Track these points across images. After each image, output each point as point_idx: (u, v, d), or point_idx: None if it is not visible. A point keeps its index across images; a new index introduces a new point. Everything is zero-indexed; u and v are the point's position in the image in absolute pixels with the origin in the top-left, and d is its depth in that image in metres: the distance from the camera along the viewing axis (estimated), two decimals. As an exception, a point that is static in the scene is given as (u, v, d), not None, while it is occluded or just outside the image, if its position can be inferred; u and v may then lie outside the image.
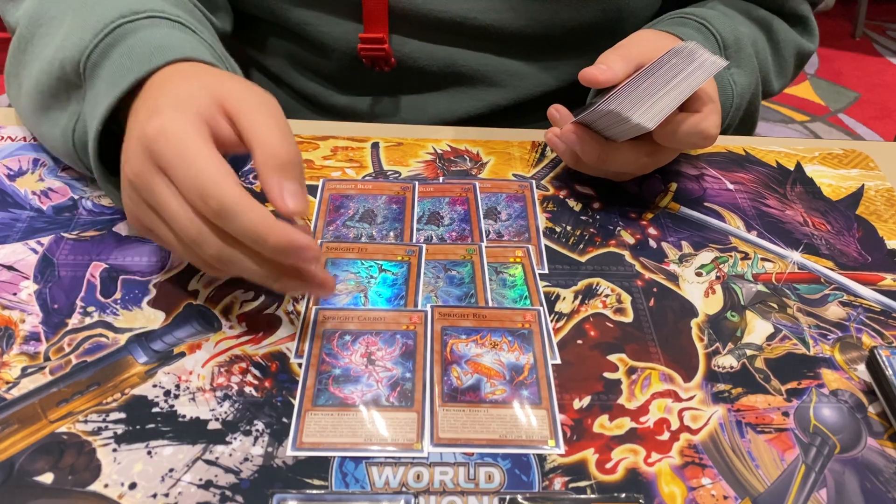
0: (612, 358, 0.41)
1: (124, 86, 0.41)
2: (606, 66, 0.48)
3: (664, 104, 0.44)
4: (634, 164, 0.50)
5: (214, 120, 0.37)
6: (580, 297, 0.45)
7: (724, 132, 0.62)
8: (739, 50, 0.59)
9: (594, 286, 0.46)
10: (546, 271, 0.47)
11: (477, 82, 0.64)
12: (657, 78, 0.45)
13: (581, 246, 0.49)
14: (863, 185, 0.56)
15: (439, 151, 0.57)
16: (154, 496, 0.33)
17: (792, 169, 0.58)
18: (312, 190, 0.52)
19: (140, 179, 0.36)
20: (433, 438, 0.36)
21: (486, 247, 0.48)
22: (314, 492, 0.34)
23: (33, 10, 0.49)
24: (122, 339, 0.41)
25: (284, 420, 0.37)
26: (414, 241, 0.48)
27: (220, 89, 0.38)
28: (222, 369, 0.39)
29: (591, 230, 0.50)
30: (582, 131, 0.49)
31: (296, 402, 0.38)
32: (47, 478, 0.34)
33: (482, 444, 0.36)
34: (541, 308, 0.44)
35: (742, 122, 0.63)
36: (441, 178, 0.54)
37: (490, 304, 0.44)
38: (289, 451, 0.36)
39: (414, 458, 0.36)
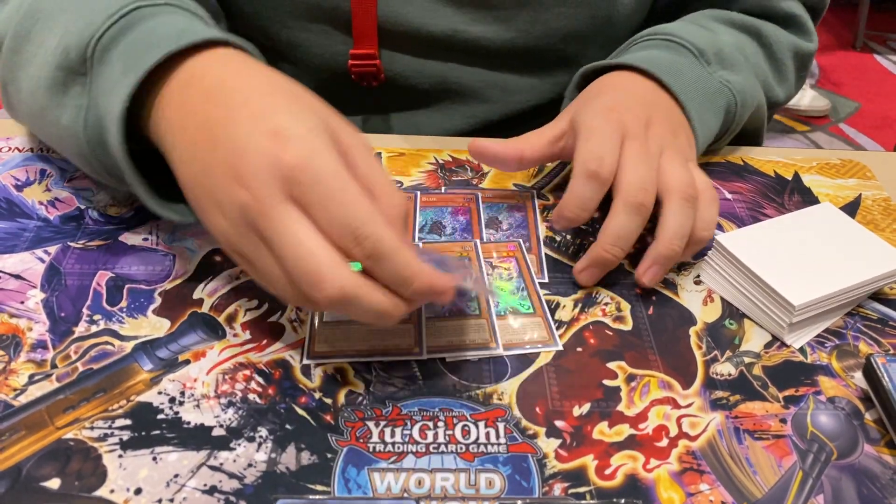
0: (612, 365, 0.42)
1: (151, 61, 0.38)
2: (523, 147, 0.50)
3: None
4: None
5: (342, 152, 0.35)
6: (580, 305, 0.46)
7: (726, 135, 0.59)
8: (721, 55, 0.56)
9: (594, 294, 0.47)
10: (546, 280, 0.47)
11: (468, 98, 0.64)
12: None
13: (581, 255, 0.49)
14: (860, 195, 0.57)
15: (441, 161, 0.58)
16: (159, 501, 0.34)
17: (790, 179, 0.58)
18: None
19: (261, 207, 0.33)
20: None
21: (480, 244, 0.49)
22: (317, 497, 0.34)
23: (27, 8, 0.45)
24: (128, 346, 0.41)
25: (288, 427, 0.37)
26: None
27: (328, 117, 0.36)
28: (226, 376, 0.40)
29: (591, 239, 0.51)
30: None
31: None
32: (54, 483, 0.34)
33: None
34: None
35: (749, 126, 0.61)
36: (443, 188, 0.55)
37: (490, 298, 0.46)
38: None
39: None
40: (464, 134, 0.65)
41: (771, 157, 0.61)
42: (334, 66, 0.61)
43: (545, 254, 0.49)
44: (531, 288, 0.46)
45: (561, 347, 0.43)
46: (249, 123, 0.34)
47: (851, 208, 0.55)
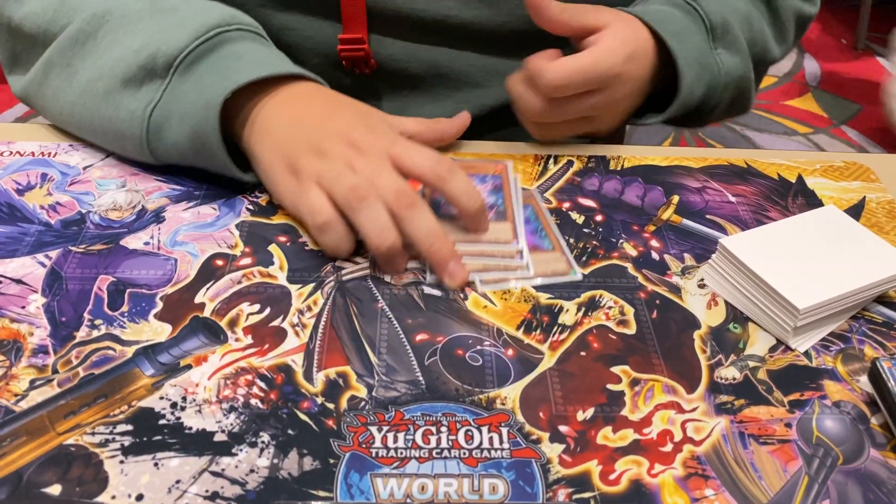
0: (616, 370, 0.42)
1: (248, 78, 0.49)
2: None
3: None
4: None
5: None
6: (583, 309, 0.46)
7: (710, 112, 0.63)
8: (727, 32, 0.60)
9: (597, 298, 0.46)
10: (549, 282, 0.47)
11: (461, 84, 0.64)
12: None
13: (584, 258, 0.49)
14: (864, 198, 0.57)
15: (443, 165, 0.57)
16: (161, 508, 0.34)
17: (793, 181, 0.58)
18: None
19: (369, 154, 0.47)
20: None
21: (511, 165, 0.55)
22: (319, 503, 0.34)
23: (94, 8, 0.52)
24: (130, 351, 0.41)
25: (290, 432, 0.37)
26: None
27: (384, 115, 0.54)
28: (228, 381, 0.40)
29: (594, 242, 0.51)
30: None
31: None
32: (55, 489, 0.34)
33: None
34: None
35: (733, 103, 0.64)
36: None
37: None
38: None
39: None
40: None
41: (774, 159, 0.61)
42: (325, 51, 0.61)
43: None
44: (548, 228, 0.51)
45: (580, 277, 0.48)
46: (352, 118, 0.50)
47: (856, 211, 0.55)
